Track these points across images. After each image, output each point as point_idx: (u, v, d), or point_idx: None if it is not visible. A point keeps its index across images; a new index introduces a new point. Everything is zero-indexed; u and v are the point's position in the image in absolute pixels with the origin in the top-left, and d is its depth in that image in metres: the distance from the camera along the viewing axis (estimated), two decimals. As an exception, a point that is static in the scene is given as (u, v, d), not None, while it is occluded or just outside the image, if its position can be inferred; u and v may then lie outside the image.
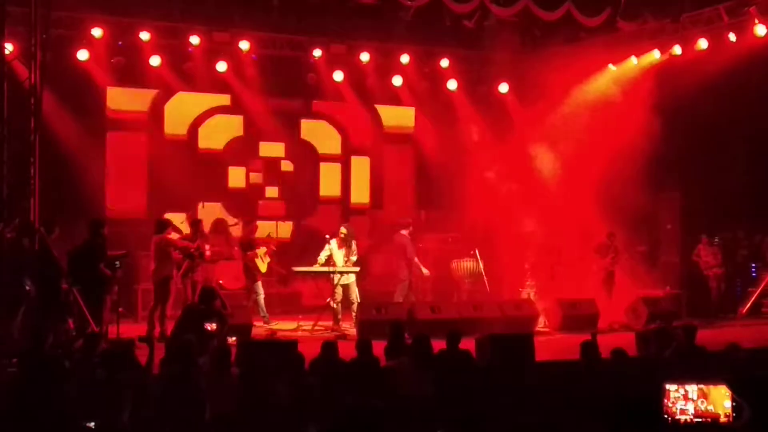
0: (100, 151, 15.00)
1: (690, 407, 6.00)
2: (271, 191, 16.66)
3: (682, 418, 6.01)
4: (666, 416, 6.04)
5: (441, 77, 16.74)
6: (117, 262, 10.90)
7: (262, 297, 13.22)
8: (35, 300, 9.86)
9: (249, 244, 13.43)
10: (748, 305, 14.67)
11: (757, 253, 15.60)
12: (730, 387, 6.00)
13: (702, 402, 5.98)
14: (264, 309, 13.15)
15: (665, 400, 6.04)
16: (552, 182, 15.41)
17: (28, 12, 10.75)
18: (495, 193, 15.07)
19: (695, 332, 8.79)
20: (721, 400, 5.96)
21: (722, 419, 5.93)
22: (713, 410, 5.97)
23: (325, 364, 7.78)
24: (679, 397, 6.03)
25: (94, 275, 10.61)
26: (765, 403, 5.89)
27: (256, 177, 16.53)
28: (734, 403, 5.93)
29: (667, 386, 6.05)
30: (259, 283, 13.29)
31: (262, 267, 13.30)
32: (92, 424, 6.11)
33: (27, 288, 9.96)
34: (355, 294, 13.01)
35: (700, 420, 5.97)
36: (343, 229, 13.26)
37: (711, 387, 5.98)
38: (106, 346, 9.28)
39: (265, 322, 13.01)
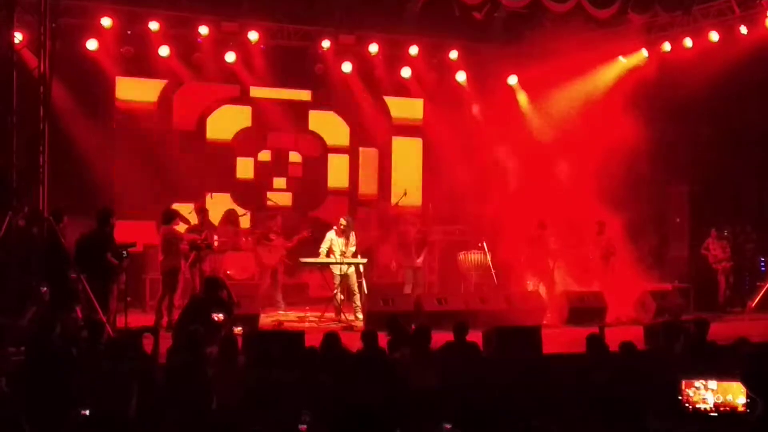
0: (108, 141, 15.00)
1: (710, 397, 6.19)
2: (279, 182, 16.65)
3: (703, 407, 6.17)
4: (686, 405, 6.20)
5: (450, 69, 16.68)
6: (124, 252, 10.90)
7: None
8: (47, 303, 9.87)
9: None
10: (757, 299, 14.60)
11: (766, 246, 15.55)
12: (744, 384, 6.12)
13: (720, 395, 6.18)
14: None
15: (684, 390, 6.21)
16: (561, 174, 15.36)
17: (37, 1, 10.75)
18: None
19: (707, 327, 8.73)
20: (737, 395, 6.14)
21: (740, 408, 6.11)
22: (732, 400, 6.15)
23: (327, 355, 7.77)
24: (699, 387, 6.22)
25: (101, 264, 10.62)
26: None
27: (264, 168, 16.53)
28: (748, 399, 6.06)
29: (685, 380, 6.23)
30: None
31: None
32: (86, 412, 6.12)
33: (43, 290, 9.99)
34: (355, 285, 13.05)
35: (719, 410, 6.17)
36: (342, 220, 13.35)
37: (727, 383, 6.18)
38: (112, 335, 9.34)
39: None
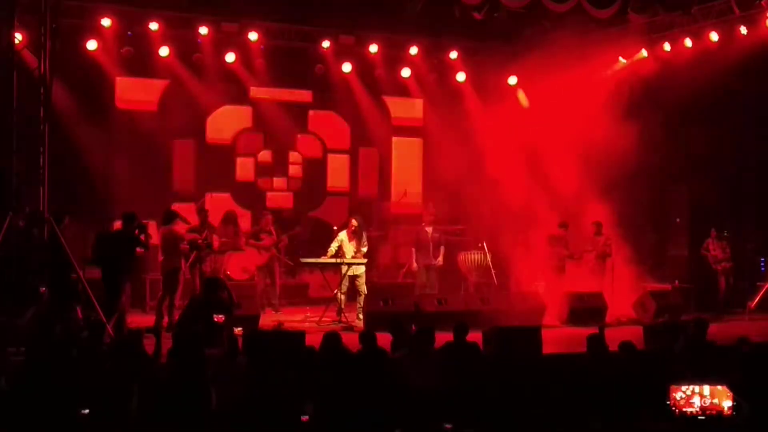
0: (109, 141, 15.00)
1: (696, 401, 6.27)
2: (279, 183, 16.65)
3: (689, 410, 6.26)
4: (674, 409, 6.27)
5: (450, 69, 16.69)
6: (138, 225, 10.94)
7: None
8: (47, 303, 9.90)
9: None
10: (757, 299, 14.61)
11: (766, 246, 15.56)
12: (731, 387, 6.23)
13: (707, 399, 6.27)
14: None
15: (672, 394, 6.27)
16: (560, 174, 15.37)
17: (37, 1, 10.75)
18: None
19: (707, 327, 8.75)
20: (722, 398, 6.22)
21: (726, 412, 6.19)
22: (718, 404, 6.24)
23: (327, 355, 7.77)
24: (686, 392, 6.31)
25: (119, 260, 10.65)
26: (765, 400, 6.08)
27: (263, 168, 16.52)
28: (734, 403, 6.17)
29: (672, 385, 6.33)
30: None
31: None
32: (86, 411, 6.13)
33: (41, 291, 10.01)
34: (362, 285, 13.03)
35: (705, 413, 6.25)
36: (354, 221, 13.28)
37: (714, 387, 6.27)
38: (124, 333, 9.37)
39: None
